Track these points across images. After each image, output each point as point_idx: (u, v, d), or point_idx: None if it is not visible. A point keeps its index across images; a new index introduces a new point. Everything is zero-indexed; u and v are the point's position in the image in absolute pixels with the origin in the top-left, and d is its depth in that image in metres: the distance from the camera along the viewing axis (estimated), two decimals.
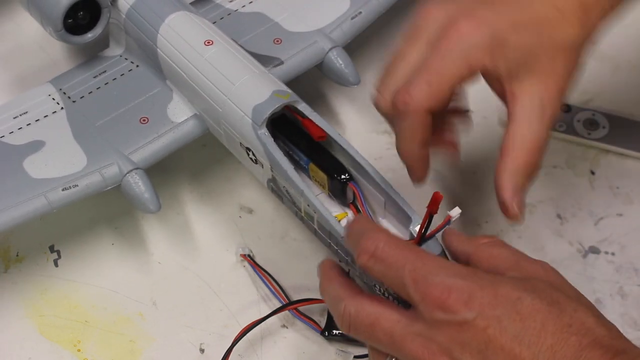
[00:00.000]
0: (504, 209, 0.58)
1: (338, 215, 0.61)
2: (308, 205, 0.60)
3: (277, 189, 0.64)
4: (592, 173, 0.73)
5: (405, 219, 0.59)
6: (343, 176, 0.61)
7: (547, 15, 0.55)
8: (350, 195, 0.62)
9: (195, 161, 0.74)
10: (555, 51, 0.55)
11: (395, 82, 0.56)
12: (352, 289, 0.53)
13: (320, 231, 0.61)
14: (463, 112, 0.63)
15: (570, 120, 0.76)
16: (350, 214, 0.62)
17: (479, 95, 0.76)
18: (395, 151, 0.74)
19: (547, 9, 0.55)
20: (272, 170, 0.62)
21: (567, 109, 0.76)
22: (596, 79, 0.79)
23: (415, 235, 0.55)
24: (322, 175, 0.62)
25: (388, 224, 0.61)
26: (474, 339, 0.47)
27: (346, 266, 0.61)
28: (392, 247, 0.50)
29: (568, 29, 0.55)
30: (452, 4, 0.57)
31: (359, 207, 0.61)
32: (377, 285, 0.58)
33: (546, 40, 0.55)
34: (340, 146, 0.61)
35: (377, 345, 0.51)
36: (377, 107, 0.59)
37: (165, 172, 0.73)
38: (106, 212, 0.72)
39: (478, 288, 0.48)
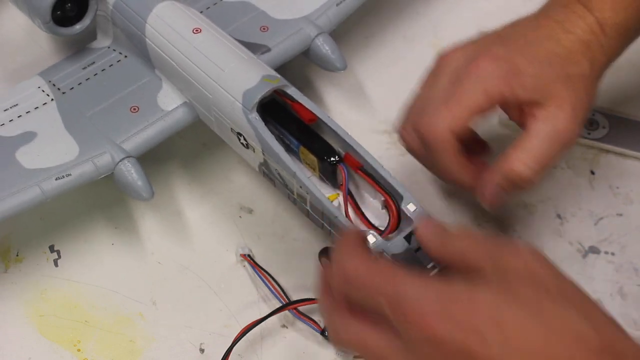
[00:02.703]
0: (481, 197, 0.62)
1: (330, 196, 0.62)
2: (300, 187, 0.61)
3: (268, 173, 0.64)
4: (592, 173, 0.73)
5: (397, 198, 0.60)
6: (333, 158, 0.62)
7: (556, 51, 0.61)
8: (340, 177, 0.62)
9: (195, 161, 0.74)
10: (568, 80, 0.60)
11: (416, 115, 0.61)
12: (360, 249, 0.52)
13: (313, 212, 0.62)
14: (483, 146, 0.67)
15: None
16: (341, 195, 0.62)
17: None
18: (394, 151, 0.75)
19: (555, 47, 0.61)
20: (263, 154, 0.63)
21: None
22: None
23: (407, 213, 0.59)
24: (313, 158, 0.63)
25: (377, 204, 0.62)
26: (455, 356, 0.46)
27: None
28: (366, 273, 0.50)
29: (577, 63, 0.61)
30: (470, 44, 0.62)
31: (349, 189, 0.62)
32: None
33: (559, 71, 0.60)
34: (330, 128, 0.62)
35: (374, 305, 0.50)
36: (404, 143, 0.64)
37: (165, 173, 0.73)
38: (106, 212, 0.72)
39: (453, 302, 0.47)
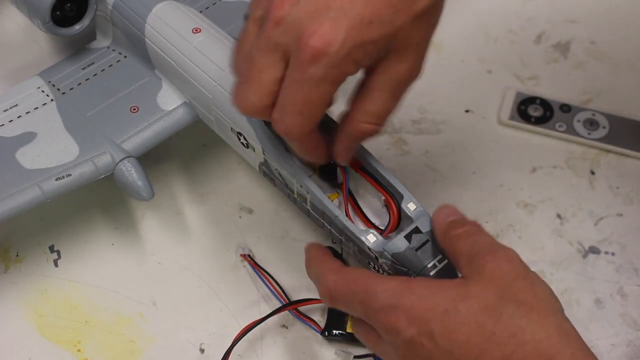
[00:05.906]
0: (336, 157, 0.59)
1: (330, 196, 0.62)
2: (301, 187, 0.61)
3: (269, 172, 0.64)
4: (592, 173, 0.73)
5: (397, 197, 0.60)
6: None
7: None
8: (340, 177, 0.62)
9: (196, 161, 0.74)
10: (412, 22, 0.53)
11: (260, 94, 0.54)
12: (333, 264, 0.57)
13: (314, 212, 0.62)
14: None
15: (570, 120, 0.75)
16: (341, 194, 0.62)
17: (478, 96, 0.76)
18: (394, 151, 0.75)
19: None
20: (263, 154, 0.63)
21: (567, 109, 0.76)
22: (596, 79, 0.79)
23: (408, 212, 0.59)
24: None
25: (377, 203, 0.62)
26: (419, 354, 0.52)
27: (340, 245, 0.63)
28: (341, 287, 0.55)
29: None
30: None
31: (350, 189, 0.62)
32: (371, 263, 0.59)
33: (402, 19, 0.52)
34: None
35: (355, 312, 0.55)
36: (239, 108, 0.56)
37: (165, 173, 0.73)
38: (106, 212, 0.72)
39: (412, 304, 0.52)
